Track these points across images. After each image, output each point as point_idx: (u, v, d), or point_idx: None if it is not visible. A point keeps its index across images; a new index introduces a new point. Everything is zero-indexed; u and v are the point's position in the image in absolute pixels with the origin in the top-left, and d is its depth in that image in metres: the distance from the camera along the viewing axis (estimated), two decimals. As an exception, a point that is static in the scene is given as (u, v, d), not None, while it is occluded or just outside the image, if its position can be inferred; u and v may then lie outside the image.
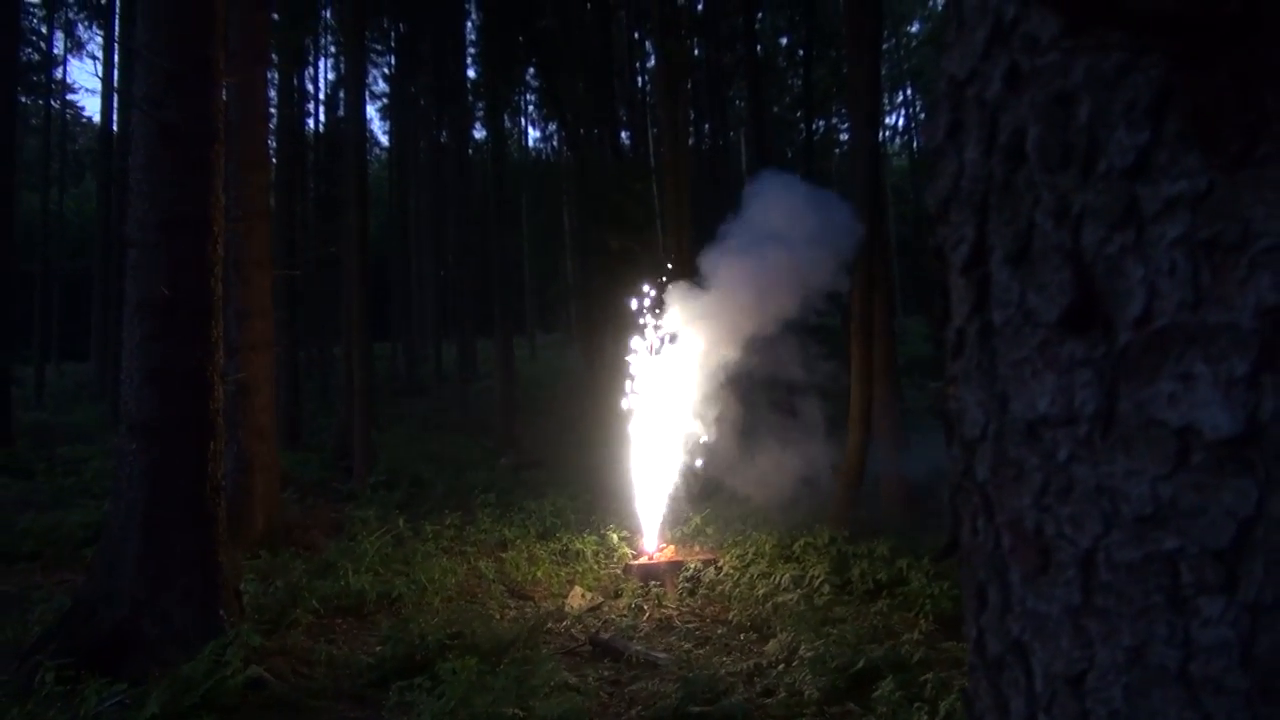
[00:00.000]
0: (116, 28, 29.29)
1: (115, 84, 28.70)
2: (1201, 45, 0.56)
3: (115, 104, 28.38)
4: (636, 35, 31.55)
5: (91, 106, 65.66)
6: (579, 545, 9.82)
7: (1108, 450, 0.61)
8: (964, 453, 0.74)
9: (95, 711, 5.12)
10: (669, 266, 11.42)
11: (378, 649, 6.63)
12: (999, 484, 0.70)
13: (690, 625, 7.74)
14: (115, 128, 28.41)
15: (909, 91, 45.41)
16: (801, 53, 28.93)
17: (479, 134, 37.30)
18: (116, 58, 28.92)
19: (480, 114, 31.99)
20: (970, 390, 0.73)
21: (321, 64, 35.57)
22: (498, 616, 7.67)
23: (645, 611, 8.06)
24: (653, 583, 8.69)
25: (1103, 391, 0.62)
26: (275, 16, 15.53)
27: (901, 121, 46.77)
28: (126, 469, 6.36)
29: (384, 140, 47.89)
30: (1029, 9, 0.65)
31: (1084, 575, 0.63)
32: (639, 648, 6.91)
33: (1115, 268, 0.61)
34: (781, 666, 6.37)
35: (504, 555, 9.55)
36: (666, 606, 8.24)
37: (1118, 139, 0.61)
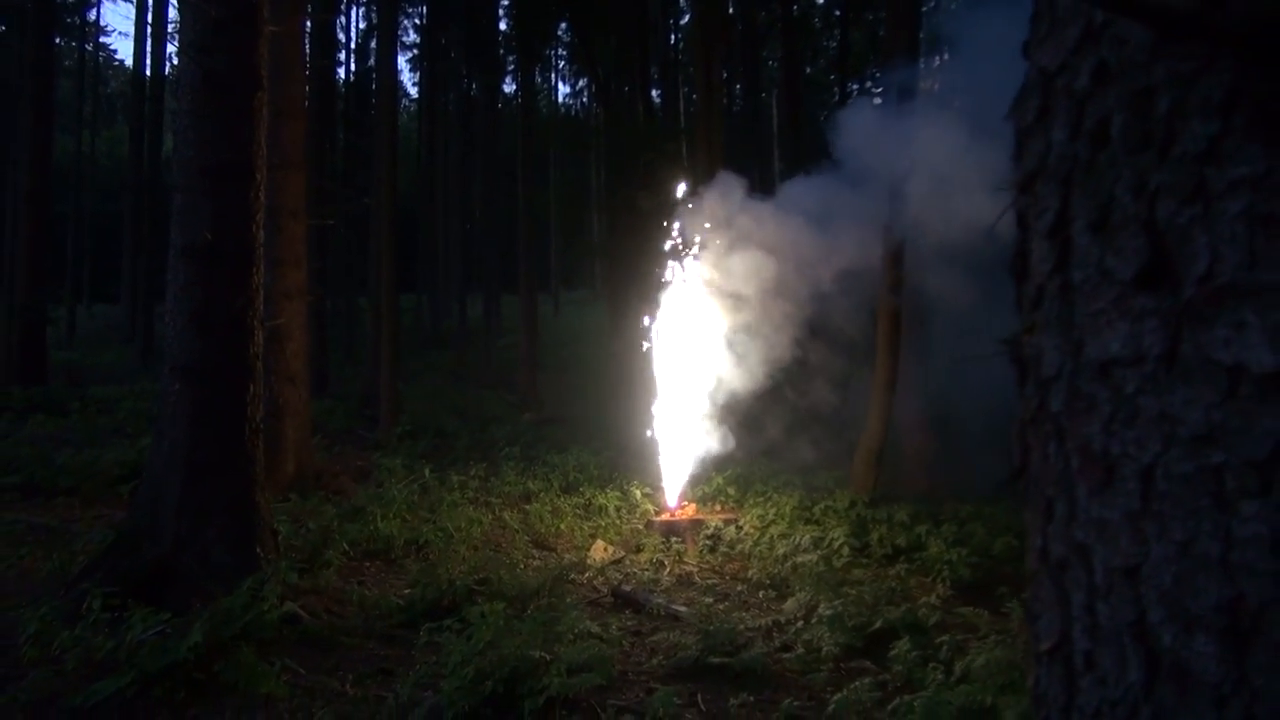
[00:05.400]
0: (151, -29, 29.39)
1: (148, 27, 28.78)
2: (1266, 54, 0.68)
3: (148, 47, 28.51)
4: (671, -7, 31.32)
5: (123, 50, 65.61)
6: (602, 500, 9.98)
7: (1170, 384, 0.75)
8: (1039, 390, 0.88)
9: (140, 638, 5.31)
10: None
11: (407, 591, 6.81)
12: (1072, 414, 0.83)
13: (710, 581, 7.89)
14: (148, 71, 28.56)
15: (947, 57, 44.81)
16: (839, 13, 28.56)
17: (509, 88, 37.25)
18: (150, 0, 28.97)
19: (511, 67, 31.88)
20: (1048, 336, 0.86)
21: (353, 12, 35.57)
22: (522, 565, 7.84)
23: (666, 566, 8.21)
24: (674, 539, 8.83)
25: (1168, 336, 0.75)
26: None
27: (938, 87, 46.20)
28: (169, 409, 6.52)
29: (413, 91, 47.87)
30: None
31: (1144, 485, 0.77)
32: (660, 600, 7.05)
33: (1184, 235, 0.74)
34: (800, 623, 6.50)
35: (528, 507, 9.70)
36: (687, 563, 8.38)
37: (1192, 128, 0.74)
